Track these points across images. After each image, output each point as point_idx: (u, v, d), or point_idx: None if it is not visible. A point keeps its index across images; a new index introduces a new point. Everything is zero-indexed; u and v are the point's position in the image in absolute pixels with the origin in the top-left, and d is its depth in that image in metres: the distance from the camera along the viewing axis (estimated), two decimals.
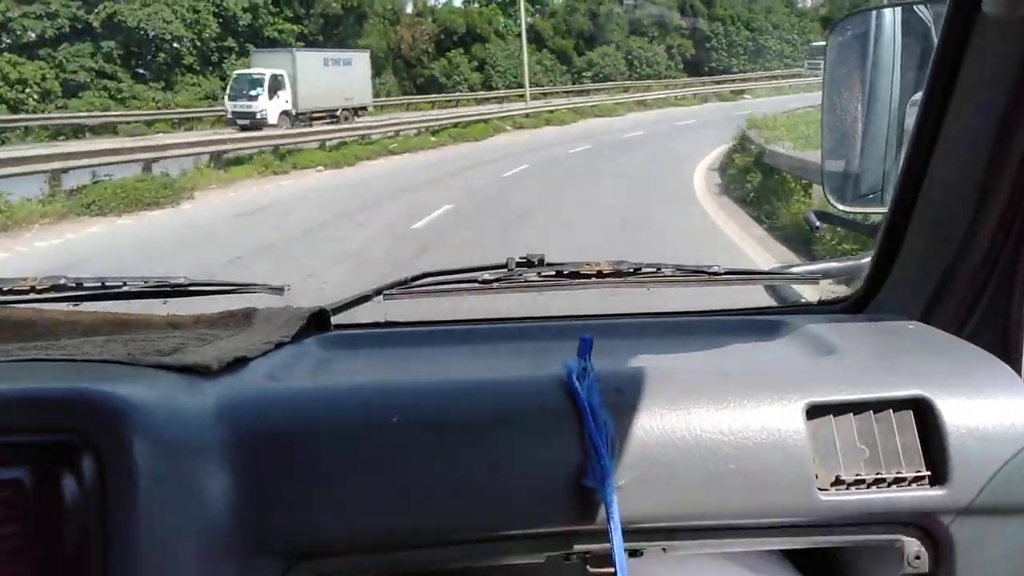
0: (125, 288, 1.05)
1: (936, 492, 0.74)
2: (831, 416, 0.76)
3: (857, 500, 0.74)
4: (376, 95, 38.25)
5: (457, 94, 43.60)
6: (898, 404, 0.76)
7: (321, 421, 0.74)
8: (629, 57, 51.68)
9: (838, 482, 0.74)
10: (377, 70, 39.75)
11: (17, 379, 0.74)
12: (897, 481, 0.75)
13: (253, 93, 23.20)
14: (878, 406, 0.76)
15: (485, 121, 24.83)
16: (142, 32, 31.85)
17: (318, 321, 1.04)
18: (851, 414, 0.76)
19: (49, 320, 0.97)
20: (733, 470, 0.72)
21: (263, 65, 24.64)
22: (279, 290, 1.13)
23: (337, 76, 26.37)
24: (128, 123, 26.18)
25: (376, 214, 10.59)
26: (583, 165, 16.18)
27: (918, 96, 0.93)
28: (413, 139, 21.13)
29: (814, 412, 0.75)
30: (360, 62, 28.91)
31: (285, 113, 23.59)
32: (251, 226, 10.05)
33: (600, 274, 1.05)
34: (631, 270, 1.06)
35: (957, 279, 0.89)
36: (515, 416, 0.74)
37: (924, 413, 0.76)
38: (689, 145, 18.65)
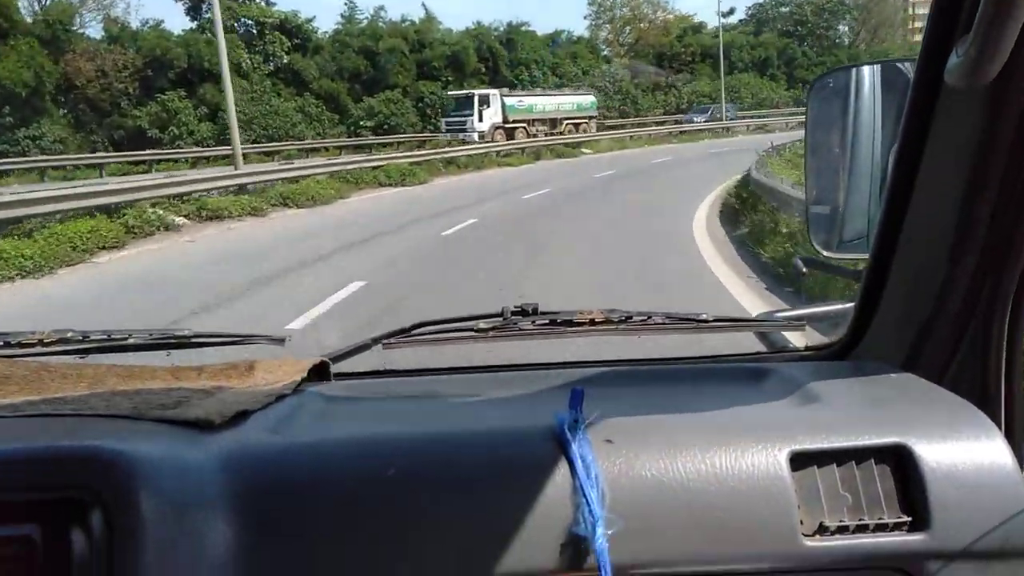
0: (130, 340, 1.08)
1: (917, 538, 0.75)
2: (814, 464, 0.77)
3: (841, 546, 0.75)
4: (22, 152, 22.74)
5: (182, 150, 28.61)
6: (879, 452, 0.77)
7: (321, 475, 0.75)
8: (420, 104, 39.84)
9: (822, 529, 0.75)
10: (23, 115, 24.27)
11: (27, 435, 0.75)
12: (879, 527, 0.75)
13: None
14: (860, 454, 0.77)
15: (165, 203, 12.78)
16: None
17: (318, 371, 1.06)
18: (834, 462, 0.77)
19: (56, 373, 0.98)
20: (720, 518, 0.73)
21: None
22: (280, 340, 1.14)
23: None
24: None
25: None
26: None
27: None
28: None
29: (798, 460, 0.76)
30: None
31: None
32: None
33: (592, 322, 1.07)
34: (622, 318, 1.08)
35: (936, 328, 0.91)
36: (509, 467, 0.75)
37: (905, 460, 0.77)
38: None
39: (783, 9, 61.65)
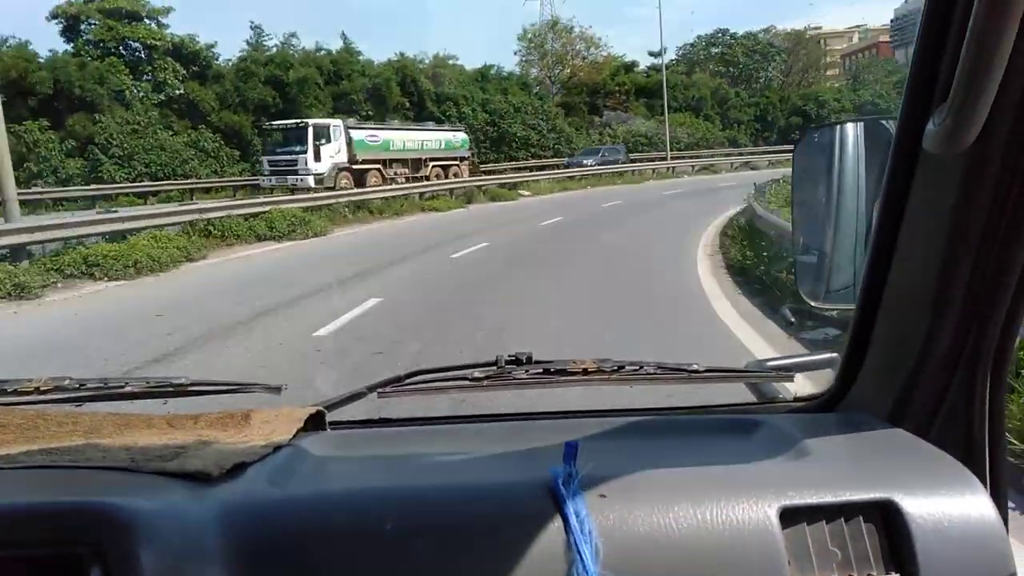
0: (127, 388, 1.08)
1: None
2: (804, 519, 0.77)
3: None
4: None
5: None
6: (867, 507, 0.78)
7: (319, 530, 0.75)
8: None
9: None
10: None
11: (25, 488, 0.76)
12: None
13: None
14: (848, 509, 0.78)
15: None
16: None
17: (314, 420, 1.05)
18: (823, 517, 0.77)
19: (52, 422, 0.97)
20: (712, 574, 0.74)
21: None
22: (276, 389, 1.15)
23: None
24: None
25: None
26: None
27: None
28: None
29: (788, 515, 0.77)
30: None
31: None
32: None
33: (585, 372, 1.08)
34: (614, 368, 1.09)
35: (921, 381, 0.92)
36: (504, 522, 0.76)
37: (892, 516, 0.77)
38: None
39: (714, 50, 60.57)
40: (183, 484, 0.79)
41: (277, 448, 0.92)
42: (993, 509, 0.78)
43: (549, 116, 45.63)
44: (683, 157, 41.61)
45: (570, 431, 0.86)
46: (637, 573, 0.73)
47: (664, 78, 42.82)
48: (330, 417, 1.08)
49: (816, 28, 74.16)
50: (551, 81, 55.04)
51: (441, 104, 41.78)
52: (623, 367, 1.08)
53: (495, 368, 1.09)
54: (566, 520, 0.73)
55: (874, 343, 0.99)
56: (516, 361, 1.10)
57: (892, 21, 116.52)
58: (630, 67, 56.34)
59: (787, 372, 1.16)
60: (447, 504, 0.77)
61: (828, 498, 0.78)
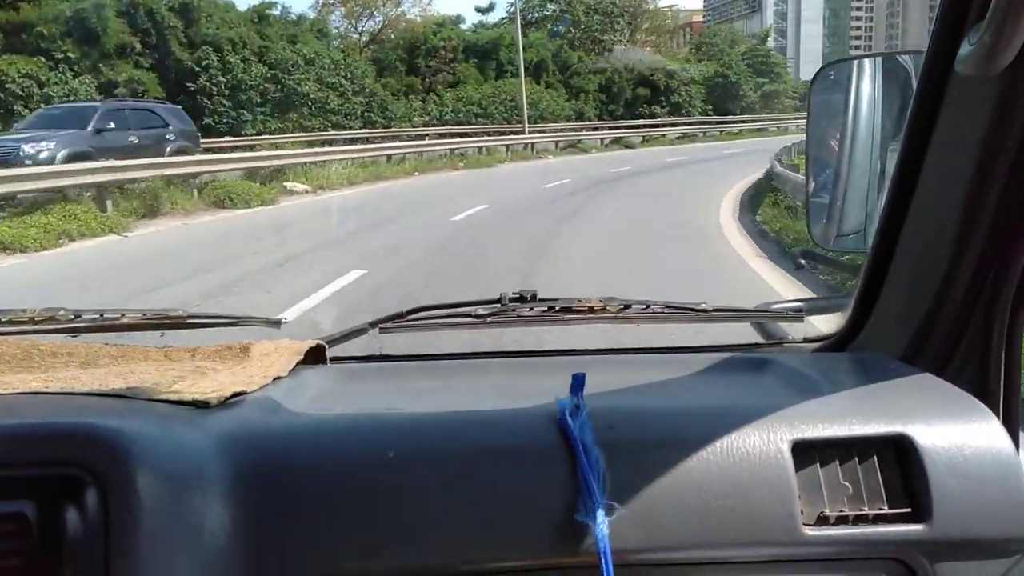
0: (123, 320, 1.05)
1: (917, 528, 0.75)
2: (815, 453, 0.76)
3: (840, 536, 0.75)
4: None
5: None
6: (880, 442, 0.77)
7: (319, 456, 0.73)
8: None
9: (822, 518, 0.74)
10: None
11: (19, 412, 0.73)
12: (879, 518, 0.75)
13: None
14: (861, 444, 0.77)
15: None
16: None
17: (314, 355, 1.03)
18: (834, 451, 0.76)
19: (47, 352, 0.95)
20: (721, 506, 0.73)
21: None
22: (276, 323, 1.12)
23: None
24: None
25: None
26: None
27: (899, 140, 0.95)
28: None
29: (799, 449, 0.75)
30: None
31: None
32: None
33: (591, 310, 1.06)
34: (621, 307, 1.07)
35: (937, 321, 0.90)
36: (509, 452, 0.74)
37: (905, 451, 0.76)
38: None
39: (550, 6, 51.07)
40: (181, 411, 0.77)
41: (277, 379, 0.90)
42: (1010, 444, 0.76)
43: (356, 75, 33.69)
44: (543, 131, 31.56)
45: (576, 367, 0.81)
46: (644, 504, 0.71)
47: (518, 26, 31.79)
48: (330, 352, 1.05)
49: None
50: (358, 32, 42.79)
51: (195, 50, 28.43)
52: (629, 306, 1.07)
53: (499, 305, 1.07)
54: (573, 450, 0.72)
55: (889, 283, 0.96)
56: (520, 298, 1.08)
57: (705, 1, 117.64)
58: (456, 21, 45.61)
59: (797, 312, 1.13)
60: (452, 432, 0.75)
61: (841, 432, 0.76)
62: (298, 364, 0.96)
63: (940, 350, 0.90)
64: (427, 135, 30.10)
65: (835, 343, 1.05)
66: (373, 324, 1.08)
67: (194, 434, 0.72)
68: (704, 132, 35.20)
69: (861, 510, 0.74)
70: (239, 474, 0.70)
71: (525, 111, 27.73)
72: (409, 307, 1.09)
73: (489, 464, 0.73)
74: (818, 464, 0.75)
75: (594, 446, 0.71)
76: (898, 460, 0.76)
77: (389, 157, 19.28)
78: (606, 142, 29.34)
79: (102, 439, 0.65)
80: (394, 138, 28.54)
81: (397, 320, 1.07)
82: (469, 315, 1.06)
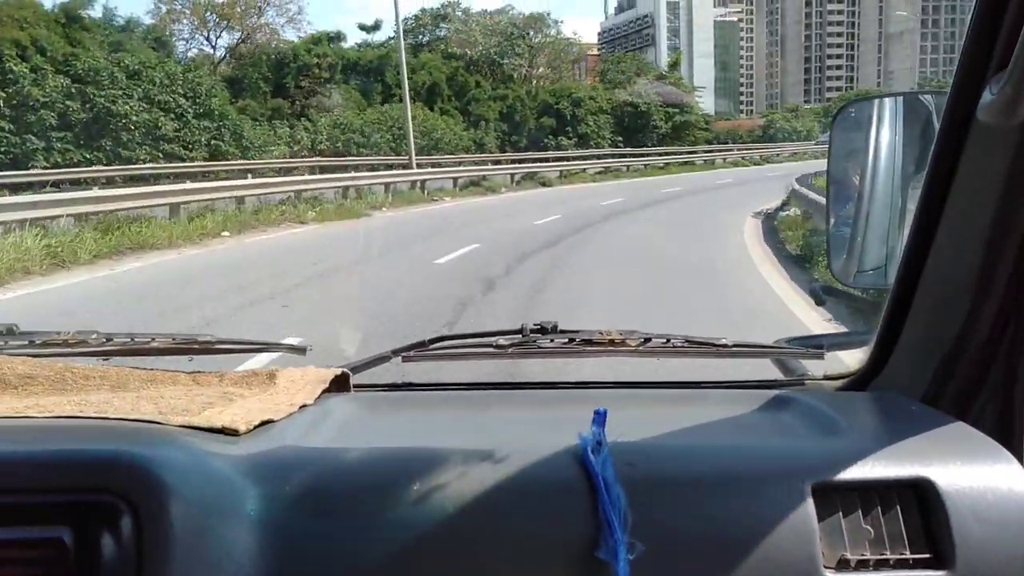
0: (153, 344, 1.06)
1: (939, 575, 0.72)
2: (836, 496, 0.74)
3: None
4: None
5: None
6: (902, 486, 0.75)
7: (345, 489, 0.73)
8: None
9: (843, 563, 0.72)
10: None
11: (55, 438, 0.75)
12: (901, 563, 0.73)
13: None
14: (882, 488, 0.75)
15: None
16: None
17: (338, 382, 1.03)
18: (856, 495, 0.75)
19: (79, 375, 0.96)
20: (742, 547, 0.71)
21: None
22: (301, 350, 1.12)
23: None
24: None
25: None
26: None
27: (920, 177, 0.95)
28: None
29: (820, 492, 0.74)
30: None
31: None
32: None
33: (611, 343, 1.05)
34: (641, 340, 1.06)
35: (959, 363, 0.89)
36: (531, 488, 0.73)
37: (927, 495, 0.75)
38: None
39: (444, 25, 45.36)
40: (211, 439, 0.77)
41: (303, 407, 0.90)
42: None
43: (200, 93, 26.34)
44: (438, 164, 25.26)
45: (596, 401, 0.82)
46: (665, 543, 0.70)
47: (399, 31, 25.13)
48: (354, 379, 1.05)
49: (559, 20, 64.73)
50: (211, 44, 35.29)
51: None
52: (649, 339, 1.06)
53: (520, 336, 1.06)
54: (594, 487, 0.71)
55: (911, 322, 0.94)
56: (542, 330, 1.07)
57: (599, 34, 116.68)
58: (335, 37, 39.02)
59: (817, 349, 1.11)
60: (474, 467, 0.74)
61: (862, 476, 0.75)
62: (323, 392, 0.97)
63: (962, 392, 0.88)
64: (289, 169, 23.22)
65: (856, 381, 1.03)
66: (396, 352, 1.08)
67: (224, 463, 0.73)
68: (628, 166, 29.96)
69: (882, 555, 0.72)
70: (267, 504, 0.70)
71: (412, 139, 21.08)
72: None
73: (511, 500, 0.72)
74: (839, 507, 0.74)
75: (615, 483, 0.70)
76: (920, 505, 0.74)
77: (210, 204, 12.38)
78: (517, 178, 23.37)
79: (137, 467, 0.66)
80: (247, 172, 21.52)
81: (420, 349, 1.07)
82: (490, 345, 1.05)
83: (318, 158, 27.97)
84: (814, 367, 1.14)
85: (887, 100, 1.17)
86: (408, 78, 40.85)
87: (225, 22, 35.24)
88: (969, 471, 0.75)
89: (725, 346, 1.06)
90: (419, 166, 23.86)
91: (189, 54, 33.16)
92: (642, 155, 36.07)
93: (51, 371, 0.95)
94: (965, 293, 0.85)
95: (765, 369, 1.18)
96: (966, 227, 0.84)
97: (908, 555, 0.72)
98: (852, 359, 1.09)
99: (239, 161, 25.20)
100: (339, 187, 15.05)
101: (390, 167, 23.54)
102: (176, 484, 0.67)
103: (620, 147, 43.28)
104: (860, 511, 0.74)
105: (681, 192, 20.13)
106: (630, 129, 45.30)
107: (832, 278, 1.20)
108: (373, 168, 23.73)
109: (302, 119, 32.19)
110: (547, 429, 0.85)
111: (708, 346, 1.06)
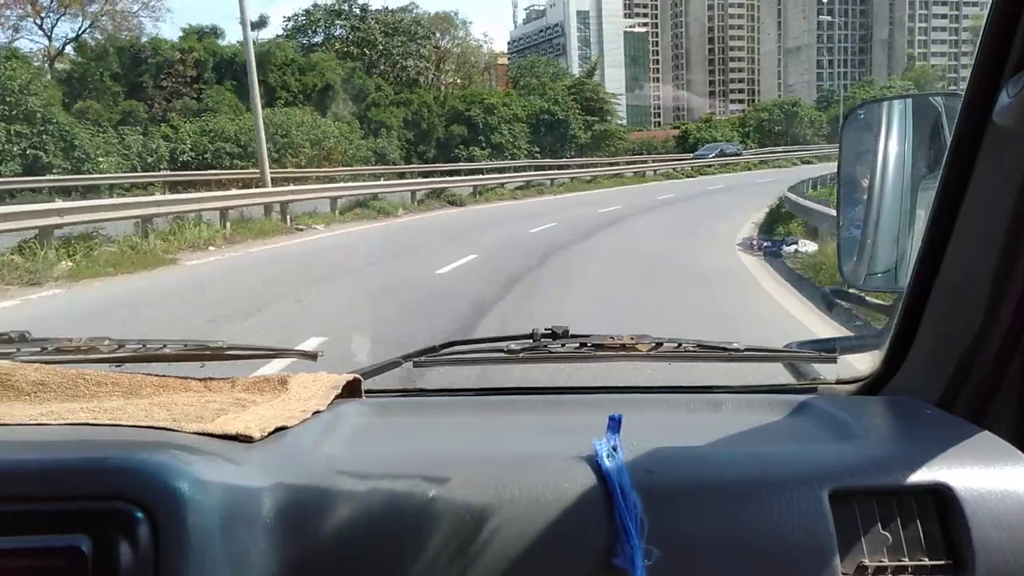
0: (165, 350, 1.06)
1: None
2: (854, 502, 0.74)
3: None
4: None
5: None
6: (920, 492, 0.75)
7: (359, 496, 0.73)
8: None
9: (861, 569, 0.72)
10: None
11: (70, 445, 0.75)
12: (919, 570, 0.72)
13: None
14: (900, 493, 0.75)
15: None
16: None
17: (349, 388, 1.02)
18: (874, 501, 0.74)
19: (92, 381, 0.95)
20: (759, 554, 0.71)
21: None
22: (312, 356, 1.12)
23: None
24: None
25: None
26: None
27: (930, 180, 0.93)
28: None
29: (838, 498, 0.73)
30: None
31: None
32: None
33: (623, 347, 1.04)
34: (653, 344, 1.06)
35: (974, 366, 0.87)
36: (546, 494, 0.72)
37: (946, 501, 0.74)
38: None
39: (340, 22, 40.17)
40: (224, 446, 0.77)
41: (315, 413, 0.90)
42: None
43: (12, 91, 20.41)
44: (330, 179, 20.38)
45: (609, 406, 0.82)
46: (682, 550, 0.70)
47: (248, 40, 19.56)
48: (365, 385, 1.04)
49: (469, 21, 60.00)
50: (46, 34, 28.83)
51: None
52: (661, 344, 1.05)
53: (531, 341, 1.06)
54: (610, 493, 0.70)
55: (924, 325, 0.93)
56: (552, 334, 1.06)
57: (509, 43, 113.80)
58: (211, 32, 33.27)
59: (830, 353, 1.10)
60: (488, 474, 0.74)
61: (879, 482, 0.74)
62: (335, 397, 0.96)
63: (977, 396, 0.87)
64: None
65: (869, 385, 1.01)
66: (407, 357, 1.07)
67: (239, 470, 0.73)
68: (551, 180, 25.77)
69: (900, 561, 0.72)
70: (282, 510, 0.70)
71: (263, 145, 15.58)
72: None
73: (525, 506, 0.71)
74: (857, 513, 0.73)
75: (632, 489, 0.70)
76: (938, 510, 0.73)
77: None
78: (419, 196, 18.64)
79: (153, 474, 0.66)
80: (71, 190, 15.87)
81: (430, 354, 1.07)
82: (501, 350, 1.05)
83: (166, 173, 22.35)
84: (826, 371, 1.12)
85: (896, 103, 1.17)
86: (297, 79, 35.56)
87: (64, 8, 28.86)
88: (987, 477, 0.74)
89: (737, 350, 1.06)
90: (293, 181, 18.74)
91: (17, 44, 26.71)
92: (567, 167, 31.98)
93: (63, 378, 0.95)
94: (980, 296, 0.83)
95: (776, 373, 1.16)
96: (981, 230, 0.83)
97: (927, 561, 0.71)
98: (864, 362, 1.07)
99: (50, 177, 19.33)
100: (140, 217, 9.76)
101: (243, 183, 18.22)
102: (192, 492, 0.66)
103: (537, 158, 39.35)
104: (878, 517, 0.73)
105: (624, 212, 16.04)
106: (548, 139, 41.53)
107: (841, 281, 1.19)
108: (220, 186, 18.38)
109: (163, 124, 26.44)
110: (561, 435, 0.84)
111: (720, 350, 1.06)
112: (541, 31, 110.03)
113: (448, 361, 1.06)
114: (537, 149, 40.18)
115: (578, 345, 1.05)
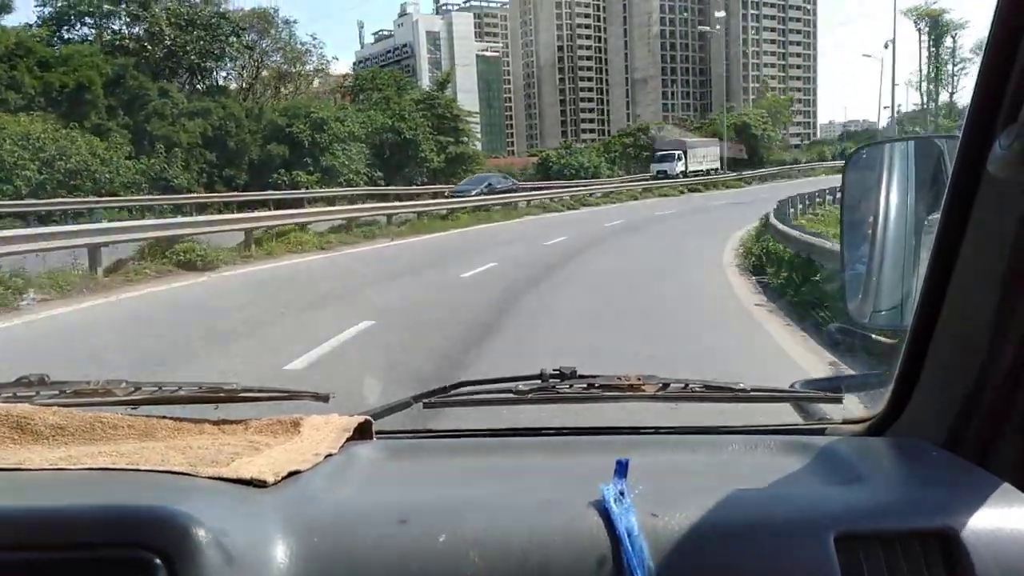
0: (180, 393, 1.08)
1: None
2: (859, 546, 0.73)
3: None
4: None
5: None
6: (925, 536, 0.74)
7: (372, 541, 0.73)
8: None
9: None
10: None
11: (89, 491, 0.77)
12: None
13: None
14: (906, 538, 0.74)
15: None
16: None
17: (360, 429, 1.03)
18: (879, 544, 0.74)
19: (108, 424, 0.97)
20: None
21: None
22: (324, 398, 1.13)
23: None
24: None
25: None
26: None
27: (933, 220, 0.95)
28: None
29: (843, 542, 0.73)
30: None
31: None
32: None
33: (630, 388, 1.07)
34: (660, 385, 1.08)
35: (978, 408, 0.88)
36: (555, 538, 0.73)
37: (951, 545, 0.74)
38: None
39: (108, 7, 30.27)
40: (239, 490, 0.78)
41: (327, 456, 0.91)
42: None
43: None
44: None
45: (617, 448, 0.83)
46: None
47: None
48: (376, 426, 1.05)
49: (293, 21, 50.85)
50: None
51: None
52: (668, 384, 1.07)
53: (540, 381, 1.08)
54: (617, 538, 0.71)
55: (929, 365, 0.93)
56: (560, 375, 1.08)
57: (355, 64, 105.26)
58: None
59: (835, 393, 1.12)
60: (497, 518, 0.75)
61: (884, 525, 0.74)
62: (346, 439, 0.97)
63: (982, 437, 0.87)
64: None
65: (875, 426, 1.02)
66: (417, 398, 1.09)
67: (253, 516, 0.74)
68: (390, 216, 18.08)
69: None
70: (296, 557, 0.70)
71: None
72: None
73: (533, 551, 0.71)
74: (862, 557, 0.72)
75: (638, 535, 0.70)
76: (943, 555, 0.73)
77: None
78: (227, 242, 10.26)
79: (170, 522, 0.67)
80: None
81: (440, 395, 1.08)
82: (510, 391, 1.07)
83: None
84: (833, 411, 1.12)
85: (898, 144, 1.18)
86: (35, 77, 25.54)
87: None
88: (992, 520, 0.74)
89: (744, 391, 1.07)
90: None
91: None
92: (418, 196, 24.41)
93: (81, 421, 0.96)
94: (982, 336, 0.84)
95: (783, 413, 1.16)
96: (981, 271, 0.83)
97: None
98: (870, 400, 1.06)
99: None
100: None
101: None
102: (209, 538, 0.67)
103: (380, 184, 31.55)
104: (884, 561, 0.72)
105: (509, 283, 8.82)
106: (393, 162, 34.01)
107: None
108: None
109: None
110: (569, 477, 0.86)
111: (726, 391, 1.07)
112: (389, 51, 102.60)
113: (458, 402, 1.08)
114: (380, 174, 32.56)
115: (586, 386, 1.07)
